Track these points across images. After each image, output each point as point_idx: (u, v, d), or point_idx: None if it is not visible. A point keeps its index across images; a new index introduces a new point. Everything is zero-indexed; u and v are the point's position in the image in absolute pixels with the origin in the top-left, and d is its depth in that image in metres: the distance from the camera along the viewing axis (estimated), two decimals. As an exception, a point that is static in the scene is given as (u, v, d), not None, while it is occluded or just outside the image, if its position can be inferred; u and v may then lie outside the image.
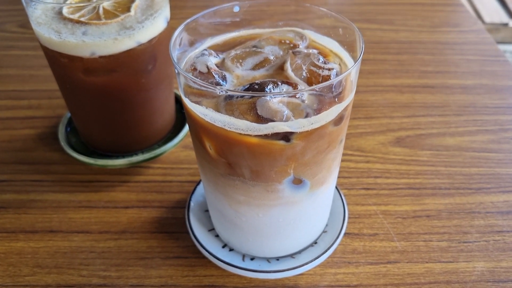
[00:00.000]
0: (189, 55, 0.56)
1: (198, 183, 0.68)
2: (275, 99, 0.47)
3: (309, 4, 0.57)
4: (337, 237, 0.61)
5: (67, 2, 0.67)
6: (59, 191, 0.72)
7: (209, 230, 0.63)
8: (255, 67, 0.53)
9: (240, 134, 0.45)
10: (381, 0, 1.21)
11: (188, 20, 0.54)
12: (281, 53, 0.55)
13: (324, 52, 0.55)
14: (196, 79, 0.45)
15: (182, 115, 0.80)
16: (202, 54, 0.53)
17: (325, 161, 0.51)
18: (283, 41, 0.56)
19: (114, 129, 0.71)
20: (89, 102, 0.68)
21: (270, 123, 0.44)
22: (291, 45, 0.56)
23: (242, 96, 0.47)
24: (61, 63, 0.64)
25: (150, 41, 0.64)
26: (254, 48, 0.55)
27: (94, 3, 0.66)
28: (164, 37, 0.67)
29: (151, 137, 0.74)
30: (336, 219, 0.63)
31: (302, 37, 0.57)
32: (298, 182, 0.51)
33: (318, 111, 0.47)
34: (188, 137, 0.78)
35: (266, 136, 0.45)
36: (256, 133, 0.45)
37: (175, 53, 0.51)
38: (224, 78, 0.51)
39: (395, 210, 0.68)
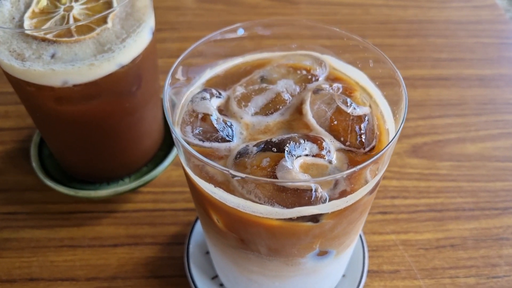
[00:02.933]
0: (185, 93, 0.45)
1: (196, 219, 0.60)
2: (297, 163, 0.38)
3: (334, 28, 0.47)
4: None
5: (29, 9, 0.55)
6: (36, 226, 0.63)
7: (213, 278, 0.55)
8: (267, 109, 0.43)
9: (258, 216, 0.37)
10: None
11: (185, 53, 0.44)
12: (297, 89, 0.45)
13: (349, 86, 0.45)
14: (203, 158, 0.35)
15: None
16: (203, 98, 0.43)
17: (355, 228, 0.43)
18: (297, 70, 0.47)
19: (96, 157, 0.62)
20: (65, 132, 0.58)
21: (297, 208, 0.35)
22: (308, 76, 0.46)
23: (257, 161, 0.38)
24: (28, 91, 0.53)
25: (133, 60, 0.54)
26: (264, 85, 0.45)
27: (61, 12, 0.54)
28: (150, 52, 0.56)
29: (138, 160, 0.64)
30: (355, 260, 0.56)
31: (321, 63, 0.48)
32: (323, 253, 0.43)
33: (349, 176, 0.39)
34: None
35: (290, 219, 0.37)
36: (278, 217, 0.36)
37: (171, 115, 0.41)
38: (231, 131, 0.41)
39: (416, 239, 0.61)
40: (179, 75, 0.44)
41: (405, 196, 0.66)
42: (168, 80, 0.41)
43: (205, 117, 0.41)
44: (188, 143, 0.41)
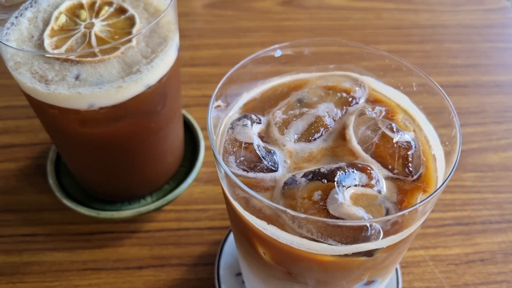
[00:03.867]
0: (223, 118, 0.44)
1: (225, 240, 0.59)
2: (348, 194, 0.37)
3: (374, 48, 0.45)
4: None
5: (48, 27, 0.53)
6: (57, 248, 0.61)
7: (245, 301, 0.54)
8: (309, 135, 0.42)
9: (312, 253, 0.35)
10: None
11: (225, 78, 0.42)
12: (338, 113, 0.43)
13: (391, 109, 0.44)
14: (252, 192, 0.34)
15: (192, 145, 0.68)
16: (244, 125, 0.41)
17: (402, 255, 0.42)
18: (337, 93, 0.45)
19: (118, 176, 0.60)
20: (87, 152, 0.56)
21: (355, 245, 0.34)
22: (348, 98, 0.45)
23: (306, 193, 0.37)
24: (50, 114, 0.51)
25: (160, 80, 0.52)
26: (304, 109, 0.43)
27: (82, 29, 0.53)
28: (175, 69, 0.55)
29: (160, 177, 0.63)
30: (390, 279, 0.55)
31: (360, 85, 0.46)
32: (370, 283, 0.42)
33: (399, 203, 0.38)
34: (202, 171, 0.67)
35: (345, 255, 0.35)
36: (333, 254, 0.35)
37: (216, 149, 0.40)
38: (275, 160, 0.40)
39: (445, 254, 0.61)
40: (218, 100, 0.42)
41: (432, 210, 0.65)
42: (212, 106, 0.39)
43: (249, 147, 0.40)
44: (232, 173, 0.39)
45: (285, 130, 0.42)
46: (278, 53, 0.45)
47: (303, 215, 0.33)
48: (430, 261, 0.60)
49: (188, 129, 0.70)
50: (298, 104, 0.44)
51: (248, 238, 0.40)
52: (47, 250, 0.61)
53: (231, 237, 0.59)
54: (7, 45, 0.48)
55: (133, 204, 0.62)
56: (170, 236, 0.62)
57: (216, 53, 0.86)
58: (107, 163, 0.57)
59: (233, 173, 0.39)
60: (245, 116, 0.42)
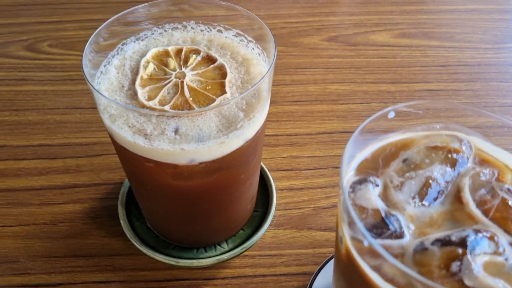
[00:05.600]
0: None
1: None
2: (480, 263, 0.37)
3: (482, 110, 0.46)
4: None
5: (138, 76, 0.53)
6: (133, 296, 0.60)
7: None
8: (427, 198, 0.42)
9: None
10: (431, 7, 1.09)
11: (350, 142, 0.42)
12: (450, 174, 0.44)
13: (500, 170, 0.44)
14: (399, 265, 0.33)
15: (262, 187, 0.68)
16: (366, 189, 0.41)
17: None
18: (447, 153, 0.45)
19: (198, 225, 0.59)
20: (171, 203, 0.56)
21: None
22: (458, 159, 0.45)
23: (438, 261, 0.37)
24: (144, 167, 0.51)
25: (256, 133, 0.52)
26: (420, 171, 0.43)
27: (173, 79, 0.52)
28: (266, 120, 0.55)
29: (238, 224, 0.62)
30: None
31: (468, 145, 0.46)
32: None
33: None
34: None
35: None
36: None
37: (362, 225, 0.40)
38: (400, 225, 0.40)
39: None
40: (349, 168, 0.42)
41: None
42: (344, 175, 0.39)
43: (375, 213, 0.40)
44: (358, 240, 0.39)
45: (404, 193, 0.42)
46: (391, 115, 0.45)
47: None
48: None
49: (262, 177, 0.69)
50: (412, 166, 0.44)
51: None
52: (122, 298, 0.60)
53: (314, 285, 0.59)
54: (114, 100, 0.48)
55: (209, 251, 0.61)
56: (247, 283, 0.61)
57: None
58: (189, 212, 0.57)
59: (359, 240, 0.39)
60: (365, 180, 0.42)
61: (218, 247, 0.62)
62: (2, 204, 0.69)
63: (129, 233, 0.62)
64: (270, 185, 0.67)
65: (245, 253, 0.64)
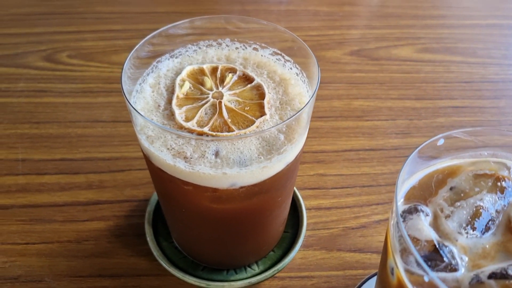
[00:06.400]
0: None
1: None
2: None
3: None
4: None
5: (174, 95, 0.52)
6: (161, 319, 0.58)
7: None
8: (478, 229, 0.41)
9: None
10: (452, 21, 1.08)
11: (401, 177, 0.41)
12: (501, 204, 0.42)
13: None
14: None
15: (292, 207, 0.67)
16: (417, 219, 0.40)
17: None
18: (496, 182, 0.44)
19: (230, 246, 0.58)
20: (205, 224, 0.54)
21: None
22: (507, 187, 0.44)
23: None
24: (181, 190, 0.49)
25: (296, 155, 0.50)
26: (471, 200, 0.42)
27: (210, 99, 0.51)
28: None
29: (268, 245, 0.61)
30: None
31: (517, 173, 0.45)
32: None
33: None
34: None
35: None
36: None
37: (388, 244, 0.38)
38: (454, 257, 0.39)
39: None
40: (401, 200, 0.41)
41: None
42: (399, 206, 0.38)
43: (428, 244, 0.39)
44: (412, 273, 0.38)
45: (455, 223, 0.41)
46: (440, 142, 0.44)
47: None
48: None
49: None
50: (461, 194, 0.43)
51: None
52: (151, 321, 0.58)
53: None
54: (157, 123, 0.46)
55: (240, 272, 0.60)
56: (278, 307, 0.60)
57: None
58: (223, 234, 0.56)
59: (413, 272, 0.38)
60: (416, 209, 0.41)
61: (248, 268, 0.61)
62: (25, 220, 0.67)
63: (157, 253, 0.61)
64: (300, 205, 0.66)
65: (275, 275, 0.62)
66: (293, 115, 0.46)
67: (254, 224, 0.55)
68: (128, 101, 0.46)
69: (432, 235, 0.39)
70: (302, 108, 0.46)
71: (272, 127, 0.48)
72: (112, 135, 0.79)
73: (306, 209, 0.68)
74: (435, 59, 0.97)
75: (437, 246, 0.39)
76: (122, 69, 0.48)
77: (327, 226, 0.68)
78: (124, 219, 0.68)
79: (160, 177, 0.50)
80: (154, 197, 0.68)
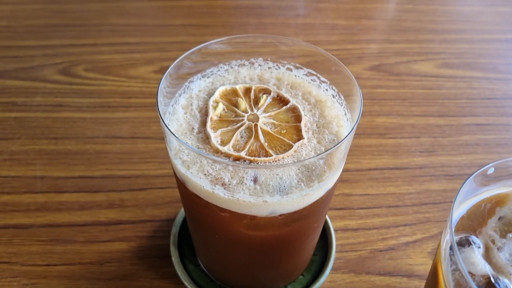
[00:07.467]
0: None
1: None
2: None
3: None
4: None
5: (208, 117, 0.50)
6: None
7: None
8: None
9: None
10: (471, 36, 1.07)
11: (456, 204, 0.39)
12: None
13: None
14: None
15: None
16: (470, 253, 0.38)
17: None
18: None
19: (261, 271, 0.56)
20: (240, 251, 0.52)
21: None
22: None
23: None
24: (217, 216, 0.47)
25: (335, 181, 0.49)
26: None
27: (246, 122, 0.49)
28: (341, 166, 0.52)
29: (298, 269, 0.60)
30: None
31: None
32: None
33: None
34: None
35: None
36: None
37: (441, 277, 0.37)
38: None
39: None
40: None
41: None
42: (453, 241, 0.36)
43: (484, 279, 0.37)
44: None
45: (507, 255, 0.39)
46: (491, 171, 0.43)
47: None
48: None
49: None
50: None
51: None
52: None
53: None
54: (195, 149, 0.44)
55: (269, 298, 0.58)
56: (309, 334, 0.58)
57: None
58: (256, 260, 0.54)
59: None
60: (467, 241, 0.39)
61: (278, 294, 0.59)
62: (45, 240, 0.65)
63: (183, 277, 0.59)
64: (328, 227, 0.65)
65: (304, 300, 0.61)
66: (337, 144, 0.44)
67: (288, 249, 0.53)
68: (166, 125, 0.44)
69: (488, 270, 0.38)
70: (346, 137, 0.44)
71: (314, 156, 0.46)
72: (132, 152, 0.77)
73: (333, 230, 0.67)
74: (456, 75, 0.95)
75: (493, 281, 0.37)
76: (158, 88, 0.47)
77: (354, 248, 0.66)
78: (147, 240, 0.66)
79: (195, 202, 0.49)
80: (179, 218, 0.66)
